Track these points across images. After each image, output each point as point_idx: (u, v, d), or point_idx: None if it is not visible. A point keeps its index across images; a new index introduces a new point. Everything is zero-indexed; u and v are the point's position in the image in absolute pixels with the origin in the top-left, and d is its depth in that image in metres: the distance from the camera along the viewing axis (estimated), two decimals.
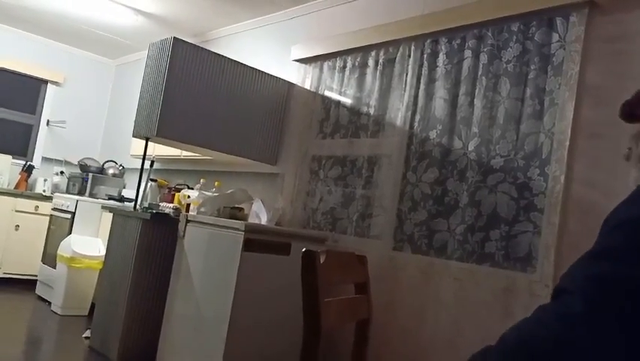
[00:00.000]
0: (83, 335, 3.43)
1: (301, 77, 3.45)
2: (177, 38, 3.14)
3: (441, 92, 2.60)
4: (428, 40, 2.72)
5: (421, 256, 2.57)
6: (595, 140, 2.02)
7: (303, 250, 1.46)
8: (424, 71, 2.71)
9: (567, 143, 2.10)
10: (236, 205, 3.15)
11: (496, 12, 2.38)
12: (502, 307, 2.20)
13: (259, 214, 3.13)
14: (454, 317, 2.31)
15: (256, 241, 2.64)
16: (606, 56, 2.04)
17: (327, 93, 3.31)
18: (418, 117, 2.70)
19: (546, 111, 2.21)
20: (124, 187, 5.15)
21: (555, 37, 2.23)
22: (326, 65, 3.31)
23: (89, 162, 5.21)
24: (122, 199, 4.65)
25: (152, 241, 3.10)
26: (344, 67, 3.18)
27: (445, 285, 2.40)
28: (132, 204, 3.58)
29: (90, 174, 5.01)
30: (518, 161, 2.29)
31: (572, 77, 2.11)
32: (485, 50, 2.45)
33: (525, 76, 2.30)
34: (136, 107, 3.33)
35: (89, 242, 4.18)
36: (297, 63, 3.47)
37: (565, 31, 2.19)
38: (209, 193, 3.35)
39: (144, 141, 3.36)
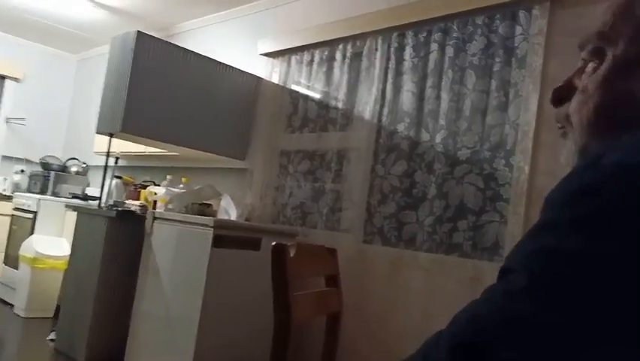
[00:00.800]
0: (48, 338, 3.34)
1: (269, 71, 3.42)
2: (141, 32, 3.07)
3: (408, 85, 2.62)
4: (395, 34, 2.73)
5: (391, 248, 2.59)
6: (558, 131, 2.07)
7: (273, 243, 1.45)
8: (392, 64, 2.72)
9: (531, 134, 2.14)
10: (205, 201, 3.11)
11: (461, 5, 2.41)
12: (470, 296, 2.21)
13: (228, 210, 3.09)
14: (424, 307, 2.34)
15: (226, 237, 2.62)
16: (568, 48, 2.08)
17: (295, 87, 3.29)
18: (386, 110, 2.72)
19: (511, 103, 2.25)
20: (88, 185, 5.02)
21: (519, 30, 2.27)
22: (294, 58, 3.29)
23: (50, 160, 5.06)
24: (86, 198, 4.53)
25: (118, 240, 3.04)
26: (312, 61, 3.16)
27: (415, 276, 2.42)
28: (97, 202, 3.50)
29: (52, 173, 4.86)
30: (484, 152, 2.33)
31: (536, 70, 2.16)
32: (451, 43, 2.47)
33: (490, 68, 2.34)
34: (99, 102, 3.25)
35: (53, 242, 4.06)
36: (265, 57, 3.44)
37: (528, 25, 2.23)
38: (177, 190, 3.30)
39: (108, 138, 3.28)
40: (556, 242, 0.40)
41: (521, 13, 2.26)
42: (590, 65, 0.57)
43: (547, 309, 0.38)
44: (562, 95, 0.60)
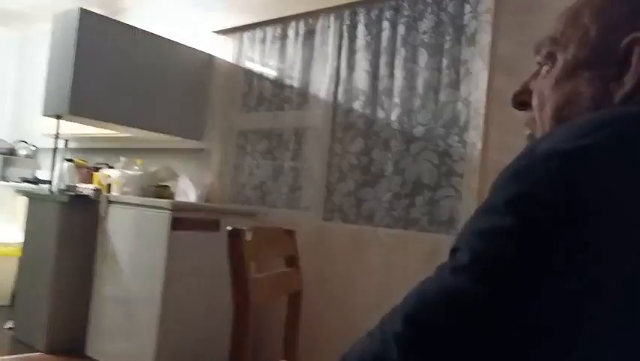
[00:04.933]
0: (6, 327, 3.26)
1: (221, 49, 3.35)
2: (84, 9, 2.94)
3: (362, 63, 2.61)
4: (346, 12, 2.70)
5: (351, 225, 2.62)
6: (508, 107, 2.11)
7: (228, 228, 1.45)
8: (345, 42, 2.70)
9: (482, 111, 2.19)
10: (161, 183, 3.06)
11: None
12: (429, 268, 2.29)
13: (187, 191, 3.06)
14: (385, 282, 2.39)
15: (184, 219, 2.60)
16: (515, 27, 2.12)
17: (249, 65, 3.23)
18: (341, 89, 2.71)
19: (462, 80, 2.28)
20: (38, 168, 4.85)
21: (467, 8, 2.28)
22: (245, 36, 3.22)
23: None
24: (37, 181, 4.39)
25: (72, 225, 2.96)
26: (264, 38, 3.11)
27: (375, 251, 2.46)
28: (48, 186, 3.39)
29: (0, 156, 4.67)
30: (438, 129, 2.36)
31: (485, 47, 2.18)
32: (402, 21, 2.47)
33: (441, 46, 2.35)
34: (45, 82, 3.11)
35: (4, 229, 3.92)
36: (216, 34, 3.35)
37: (476, 3, 2.25)
38: (132, 172, 3.22)
39: (56, 120, 3.16)
40: (493, 222, 0.45)
41: None
42: (544, 69, 0.62)
43: (484, 281, 0.42)
44: (521, 99, 0.65)
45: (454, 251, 0.47)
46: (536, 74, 0.63)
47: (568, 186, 0.42)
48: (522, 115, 0.66)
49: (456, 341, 0.42)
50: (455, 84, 2.31)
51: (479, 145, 2.20)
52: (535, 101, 0.62)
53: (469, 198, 2.23)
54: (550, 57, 0.61)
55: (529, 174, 0.44)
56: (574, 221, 0.41)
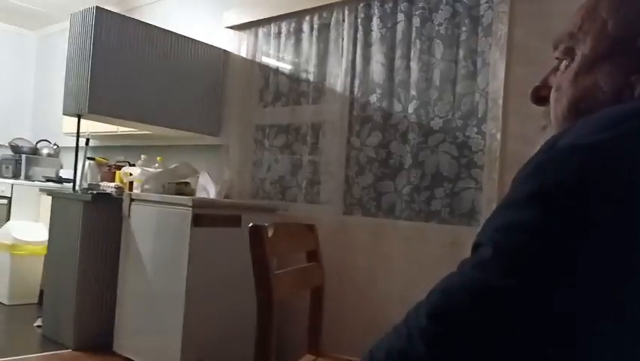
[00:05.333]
0: (35, 324, 3.34)
1: (236, 45, 3.35)
2: (100, 8, 2.97)
3: (378, 56, 2.60)
4: (361, 5, 2.69)
5: (371, 218, 2.62)
6: (526, 97, 2.09)
7: (250, 225, 1.47)
8: (360, 35, 2.69)
9: (500, 101, 2.17)
10: (182, 180, 3.10)
11: None
12: (450, 260, 2.28)
13: (207, 188, 3.09)
14: (406, 274, 2.39)
15: (205, 216, 2.62)
16: (532, 15, 2.09)
17: (265, 61, 3.24)
18: (357, 82, 2.71)
19: (479, 72, 2.26)
20: (61, 167, 4.93)
21: None
22: (260, 31, 3.22)
23: (20, 143, 4.93)
24: (60, 180, 4.46)
25: (96, 223, 3.01)
26: (279, 33, 3.11)
27: (396, 244, 2.47)
28: (71, 185, 3.45)
29: (23, 156, 4.76)
30: (456, 121, 2.35)
31: (502, 38, 2.16)
32: (417, 13, 2.45)
33: (457, 38, 2.33)
34: (64, 81, 3.16)
35: (30, 227, 4.01)
36: (231, 30, 3.37)
37: None
38: (152, 169, 3.27)
39: (76, 119, 3.21)
40: (516, 216, 0.45)
41: None
42: (563, 64, 0.62)
43: (508, 274, 0.43)
44: (540, 94, 0.66)
45: (476, 247, 0.47)
46: (555, 69, 0.64)
47: (590, 180, 0.42)
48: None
49: (481, 335, 0.43)
50: (472, 75, 2.29)
51: (498, 136, 2.18)
52: (553, 94, 0.63)
53: (489, 189, 2.22)
54: (569, 52, 0.61)
55: (551, 168, 0.45)
56: (597, 213, 0.41)
